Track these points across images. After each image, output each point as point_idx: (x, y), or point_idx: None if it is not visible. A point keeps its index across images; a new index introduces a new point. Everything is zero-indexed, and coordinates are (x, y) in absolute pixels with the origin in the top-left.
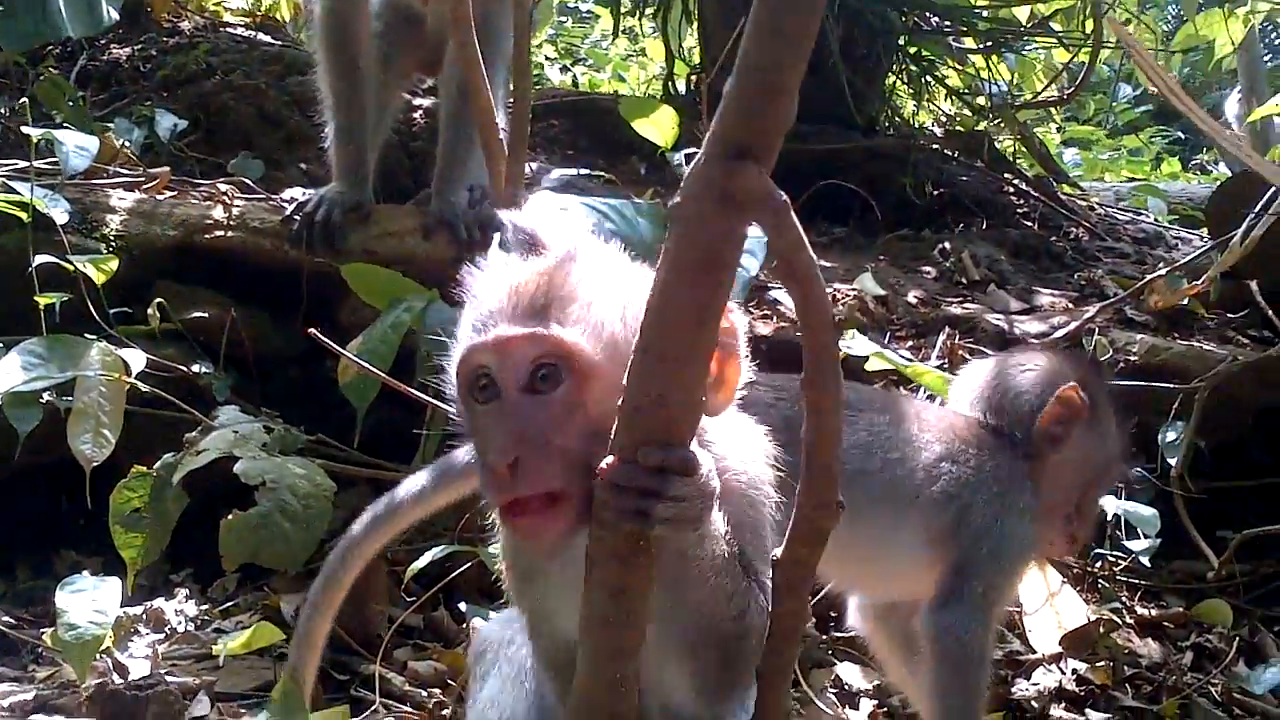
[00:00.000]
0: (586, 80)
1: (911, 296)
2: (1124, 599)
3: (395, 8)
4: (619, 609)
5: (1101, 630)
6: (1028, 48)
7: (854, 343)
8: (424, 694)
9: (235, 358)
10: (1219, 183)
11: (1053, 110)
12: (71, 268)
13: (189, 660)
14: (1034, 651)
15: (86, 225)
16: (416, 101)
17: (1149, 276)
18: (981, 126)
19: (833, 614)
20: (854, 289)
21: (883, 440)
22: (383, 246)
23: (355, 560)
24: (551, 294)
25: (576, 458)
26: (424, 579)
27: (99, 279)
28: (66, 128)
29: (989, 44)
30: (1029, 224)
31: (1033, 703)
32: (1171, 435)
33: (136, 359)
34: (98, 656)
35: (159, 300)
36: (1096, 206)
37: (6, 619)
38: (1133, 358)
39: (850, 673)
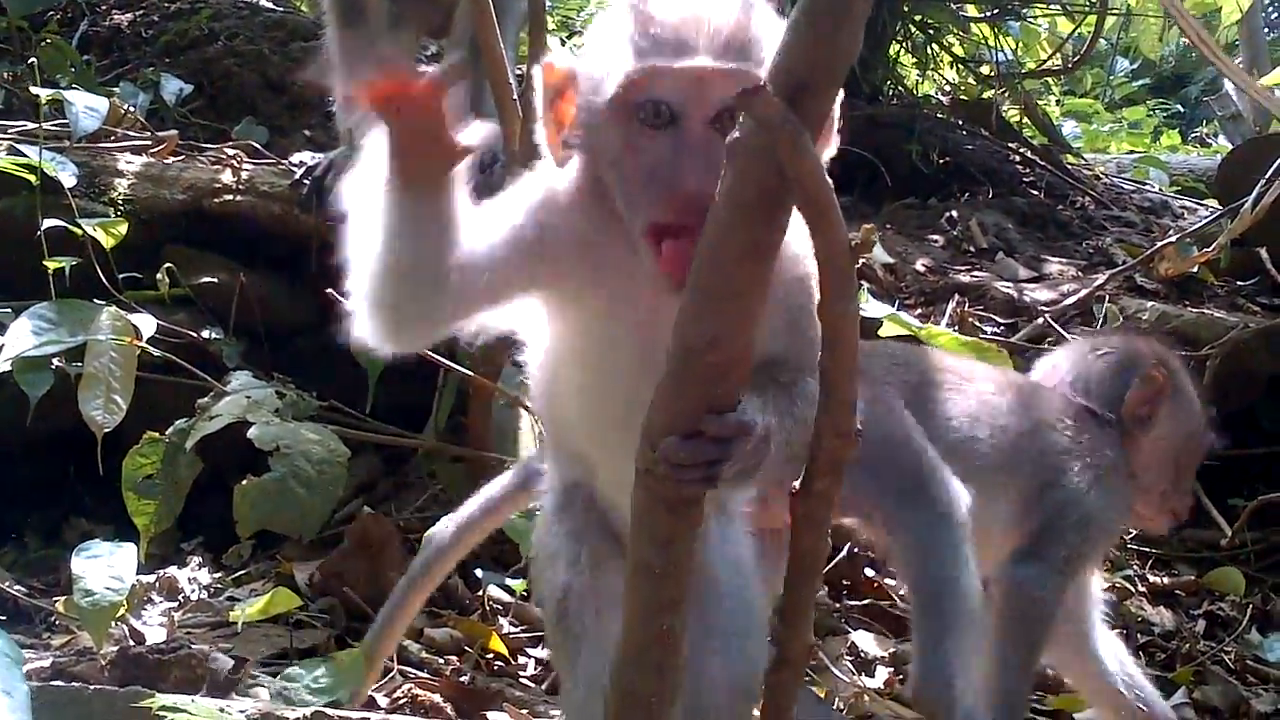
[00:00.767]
0: None
1: (920, 265)
2: (1135, 567)
3: None
4: (666, 560)
5: (1115, 599)
6: (1031, 16)
7: (868, 306)
8: (441, 661)
9: (245, 323)
10: (1228, 150)
11: (1051, 82)
12: (80, 232)
13: (204, 628)
14: None
15: (95, 189)
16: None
17: (1160, 244)
18: (986, 95)
19: (845, 581)
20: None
21: (990, 409)
22: None
23: (441, 565)
24: (751, 32)
25: None
26: None
27: (108, 243)
28: (74, 89)
29: (994, 12)
30: (1035, 193)
31: (1047, 669)
32: None
33: (147, 324)
34: (114, 624)
35: (168, 265)
36: (1102, 176)
37: (19, 588)
38: (1143, 325)
39: (865, 640)
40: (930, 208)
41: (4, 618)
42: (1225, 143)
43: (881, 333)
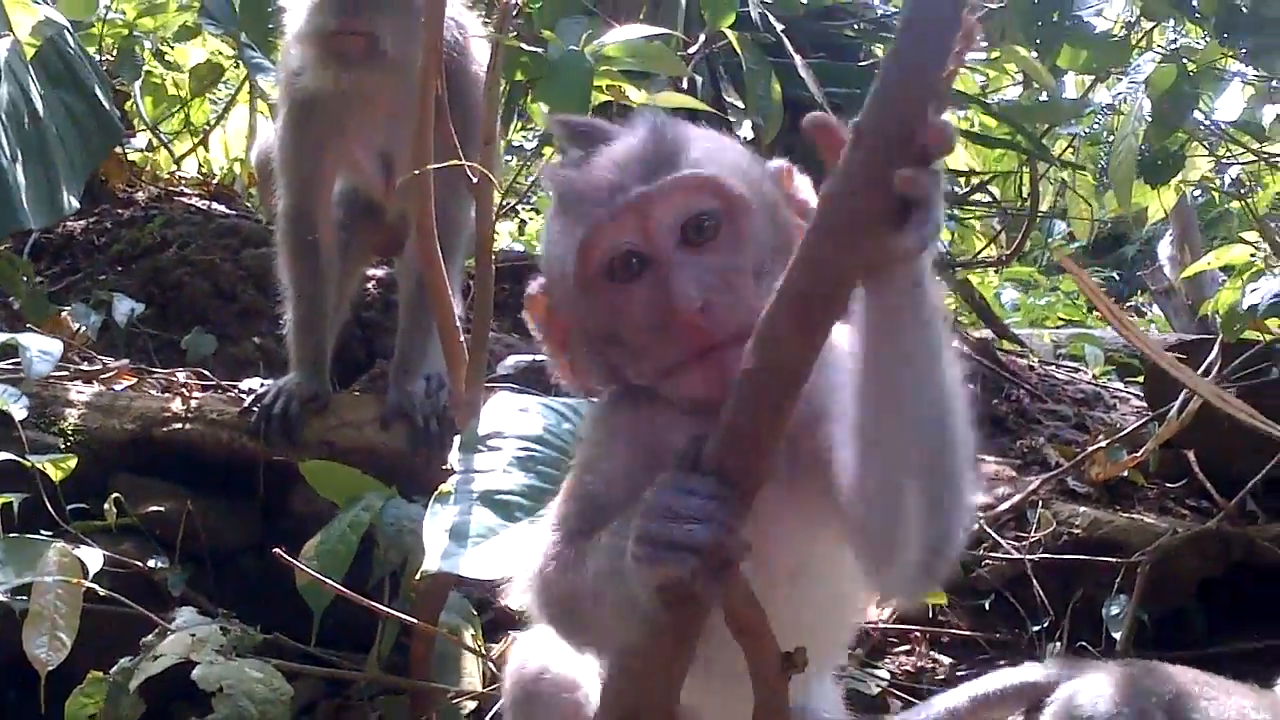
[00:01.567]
0: (534, 227)
1: None
2: None
3: (355, 198)
4: None
5: None
6: (967, 207)
7: None
8: None
9: (190, 549)
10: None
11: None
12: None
13: None
14: None
15: (45, 419)
16: (370, 272)
17: (1090, 448)
18: None
19: None
20: None
21: None
22: (341, 437)
23: None
24: (675, 143)
25: (754, 298)
26: None
27: (57, 476)
28: (28, 328)
29: None
30: (972, 387)
31: None
32: (1115, 609)
33: (94, 559)
34: None
35: (116, 495)
36: (1036, 365)
37: None
38: (1076, 530)
39: None
40: None
41: None
42: (1159, 312)
43: None
